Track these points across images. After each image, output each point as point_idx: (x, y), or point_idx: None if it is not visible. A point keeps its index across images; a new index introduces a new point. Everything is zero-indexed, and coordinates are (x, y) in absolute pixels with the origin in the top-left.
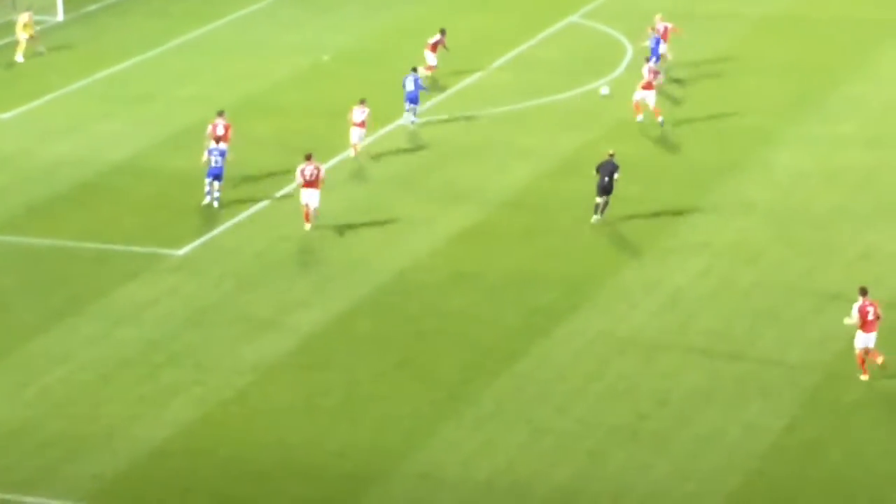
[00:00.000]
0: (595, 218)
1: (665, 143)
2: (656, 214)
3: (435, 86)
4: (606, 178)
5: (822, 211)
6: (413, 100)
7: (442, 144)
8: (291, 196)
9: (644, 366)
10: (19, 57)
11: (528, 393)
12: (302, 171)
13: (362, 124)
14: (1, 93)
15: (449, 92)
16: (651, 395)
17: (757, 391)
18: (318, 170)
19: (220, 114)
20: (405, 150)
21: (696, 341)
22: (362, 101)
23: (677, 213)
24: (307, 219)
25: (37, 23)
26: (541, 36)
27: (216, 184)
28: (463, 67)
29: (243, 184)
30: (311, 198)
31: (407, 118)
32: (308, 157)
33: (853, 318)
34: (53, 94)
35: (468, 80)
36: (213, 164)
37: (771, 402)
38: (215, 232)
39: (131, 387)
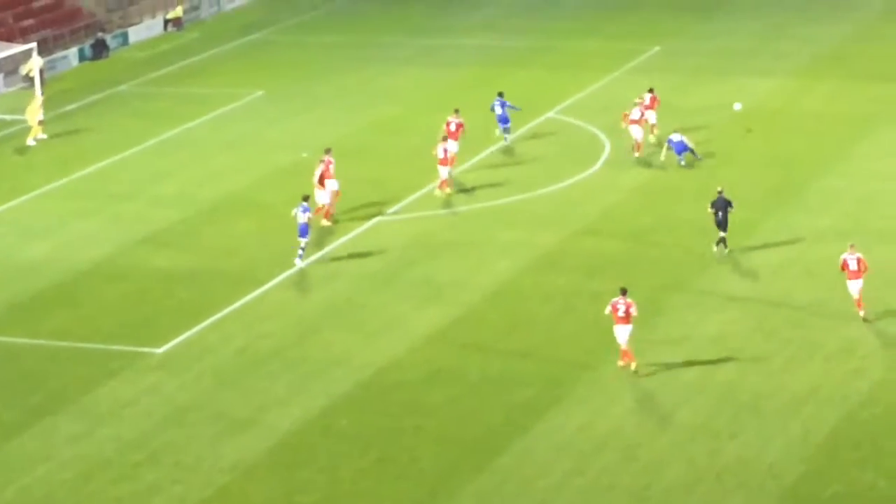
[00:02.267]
0: (716, 250)
1: (645, 236)
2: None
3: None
4: (720, 213)
5: (801, 304)
6: (504, 120)
7: (421, 241)
8: (272, 294)
9: (624, 461)
10: (31, 140)
11: (508, 489)
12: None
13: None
14: None
15: (428, 188)
16: (632, 490)
17: (737, 485)
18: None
19: (328, 151)
20: (382, 249)
21: (677, 435)
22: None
23: (657, 306)
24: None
25: (18, 122)
26: (519, 132)
27: (301, 240)
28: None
29: (222, 280)
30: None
31: (505, 137)
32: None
33: (607, 311)
34: (33, 193)
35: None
36: (298, 222)
37: (751, 497)
38: (195, 330)
39: (111, 486)
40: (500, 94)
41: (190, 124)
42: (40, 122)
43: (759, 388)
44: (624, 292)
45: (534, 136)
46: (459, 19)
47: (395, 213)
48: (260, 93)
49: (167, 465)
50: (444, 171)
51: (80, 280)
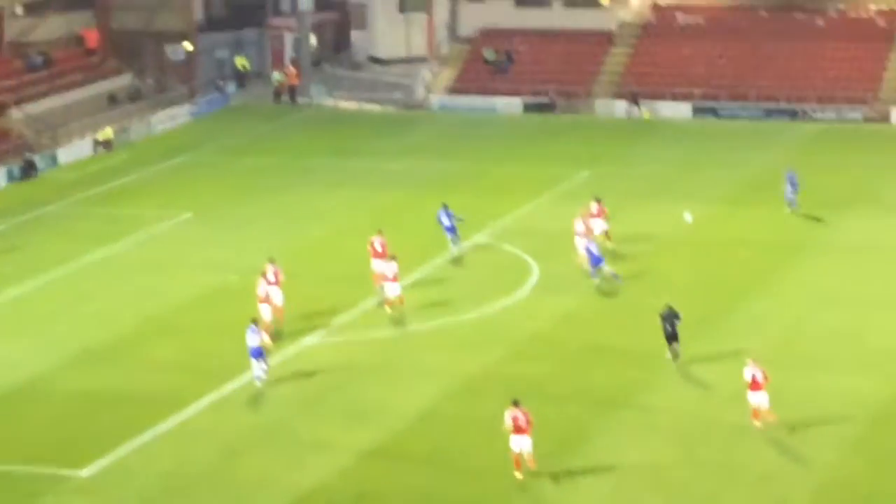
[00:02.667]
0: (668, 356)
1: (571, 363)
2: (562, 436)
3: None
4: (669, 327)
5: (728, 429)
6: (451, 230)
7: (347, 365)
8: (197, 417)
9: None
10: None
11: None
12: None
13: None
14: None
15: (356, 311)
16: None
17: None
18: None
19: (272, 261)
20: (309, 371)
21: None
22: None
23: (583, 433)
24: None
25: None
26: (447, 256)
27: (261, 363)
28: (369, 288)
29: (148, 403)
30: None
31: (452, 248)
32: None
33: (507, 424)
34: None
35: (373, 301)
36: (250, 345)
37: None
38: (120, 452)
39: None
40: (445, 206)
41: (117, 245)
42: None
43: None
44: (516, 404)
45: (462, 259)
46: (387, 143)
47: (322, 335)
48: (188, 215)
49: None
50: (394, 288)
51: (3, 402)
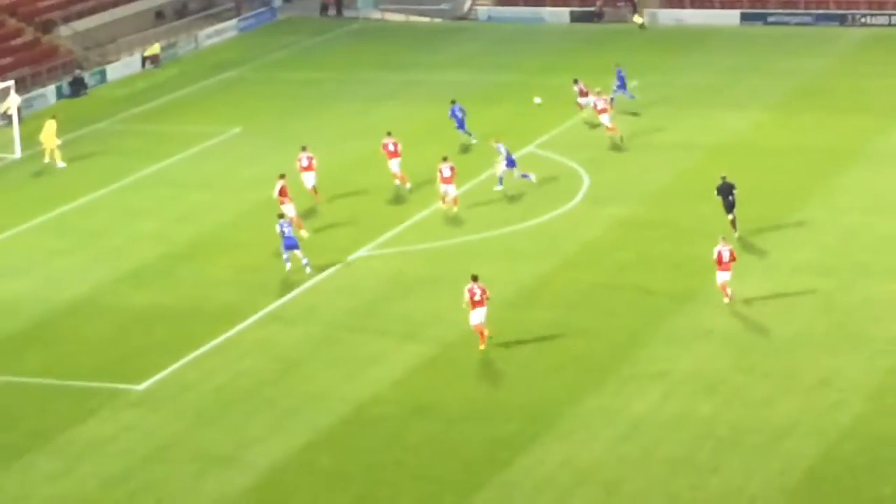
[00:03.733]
0: (735, 235)
1: (621, 271)
2: (615, 343)
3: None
4: (730, 197)
5: (780, 337)
6: (461, 124)
7: (400, 276)
8: (251, 331)
9: (606, 495)
10: (60, 163)
11: None
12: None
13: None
14: None
15: (406, 224)
16: None
17: None
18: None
19: (304, 148)
20: (361, 283)
21: (658, 470)
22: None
23: (636, 341)
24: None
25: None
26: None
27: (296, 253)
28: (421, 200)
29: (201, 318)
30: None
31: (470, 139)
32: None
33: (465, 298)
34: (10, 231)
35: (425, 212)
36: (284, 236)
37: None
38: (175, 367)
39: None
40: (454, 102)
41: (167, 161)
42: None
43: (739, 423)
44: (475, 278)
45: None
46: (435, 56)
47: (372, 248)
48: (237, 130)
49: (148, 503)
50: (451, 189)
51: (59, 318)
